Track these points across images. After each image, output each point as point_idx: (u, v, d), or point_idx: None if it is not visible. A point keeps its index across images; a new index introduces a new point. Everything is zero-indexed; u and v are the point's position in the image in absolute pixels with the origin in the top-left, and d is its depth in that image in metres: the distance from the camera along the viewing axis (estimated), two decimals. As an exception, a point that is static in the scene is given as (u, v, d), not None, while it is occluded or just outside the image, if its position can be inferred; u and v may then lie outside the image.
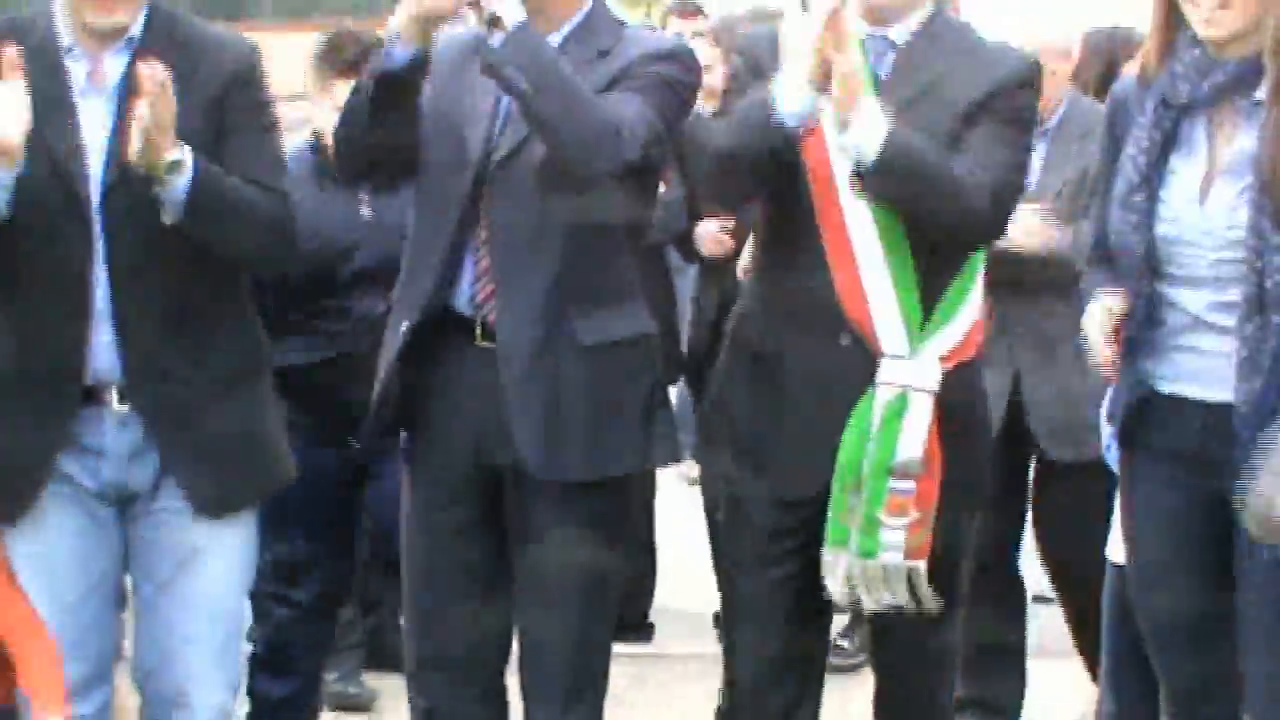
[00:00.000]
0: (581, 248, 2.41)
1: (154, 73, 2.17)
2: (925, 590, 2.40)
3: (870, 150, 2.25)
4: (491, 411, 2.41)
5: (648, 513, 4.16)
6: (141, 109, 2.16)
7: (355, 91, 2.46)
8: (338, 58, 3.20)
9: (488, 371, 2.41)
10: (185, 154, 2.23)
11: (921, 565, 2.39)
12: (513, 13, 2.26)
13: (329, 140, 2.77)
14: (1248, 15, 2.12)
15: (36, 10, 2.43)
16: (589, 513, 2.45)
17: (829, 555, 2.42)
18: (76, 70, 2.35)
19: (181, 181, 2.23)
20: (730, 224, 3.76)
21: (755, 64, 2.49)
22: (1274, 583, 2.15)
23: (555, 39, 2.40)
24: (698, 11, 5.33)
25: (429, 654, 2.54)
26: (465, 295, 2.45)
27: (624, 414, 2.46)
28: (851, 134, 2.26)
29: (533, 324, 2.40)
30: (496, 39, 2.28)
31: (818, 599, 2.48)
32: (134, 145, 2.19)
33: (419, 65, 2.35)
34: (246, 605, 2.74)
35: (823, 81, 2.25)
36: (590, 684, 2.52)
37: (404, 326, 2.46)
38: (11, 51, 2.19)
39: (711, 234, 3.86)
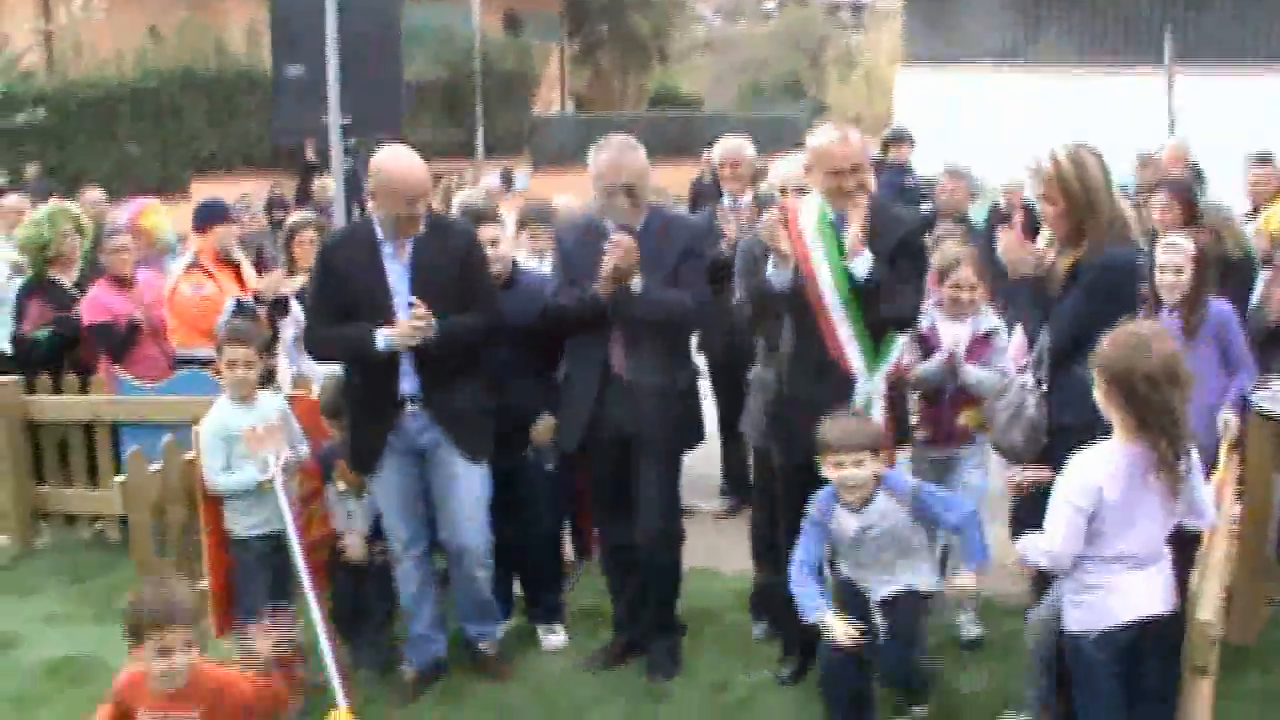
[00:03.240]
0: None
1: (421, 310, 4.72)
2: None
3: (865, 274, 4.67)
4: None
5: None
6: (418, 311, 4.73)
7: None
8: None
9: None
10: (431, 318, 4.73)
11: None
12: (637, 285, 4.89)
13: None
14: None
15: (365, 220, 4.99)
16: None
17: None
18: (387, 250, 4.85)
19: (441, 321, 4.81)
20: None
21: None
22: None
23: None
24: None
25: None
26: None
27: None
28: (856, 266, 4.70)
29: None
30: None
31: None
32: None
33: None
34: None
35: (786, 262, 4.73)
36: None
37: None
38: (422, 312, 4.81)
39: None
